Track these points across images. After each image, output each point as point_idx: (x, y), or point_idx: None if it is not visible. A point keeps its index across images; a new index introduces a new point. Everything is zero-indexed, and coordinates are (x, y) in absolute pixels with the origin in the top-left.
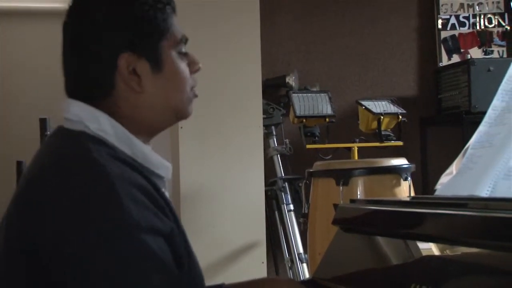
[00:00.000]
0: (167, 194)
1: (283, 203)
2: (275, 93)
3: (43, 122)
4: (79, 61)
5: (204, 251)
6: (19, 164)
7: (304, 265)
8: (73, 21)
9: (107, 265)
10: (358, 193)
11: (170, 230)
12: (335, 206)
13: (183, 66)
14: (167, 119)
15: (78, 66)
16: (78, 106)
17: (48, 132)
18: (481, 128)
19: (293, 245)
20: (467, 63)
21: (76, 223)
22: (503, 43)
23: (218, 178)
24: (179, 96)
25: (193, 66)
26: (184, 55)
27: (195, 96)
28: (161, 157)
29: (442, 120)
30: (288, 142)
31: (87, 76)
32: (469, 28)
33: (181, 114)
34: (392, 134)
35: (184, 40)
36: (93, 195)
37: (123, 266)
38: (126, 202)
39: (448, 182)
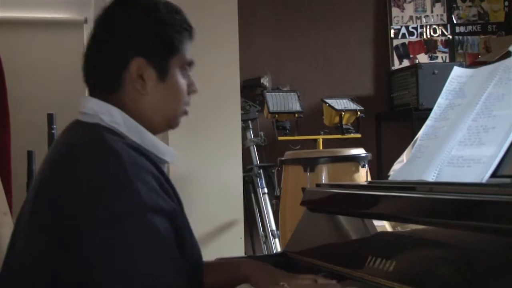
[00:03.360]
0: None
1: (258, 187)
2: (251, 92)
3: (50, 116)
4: (98, 55)
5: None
6: (29, 153)
7: (277, 240)
8: (104, 18)
9: (116, 238)
10: (323, 178)
11: (172, 210)
12: (303, 189)
13: (183, 82)
14: (159, 124)
15: (96, 60)
16: (93, 101)
17: (55, 126)
18: (428, 122)
19: (267, 223)
20: (415, 67)
21: (93, 201)
22: (446, 50)
23: (203, 165)
24: (174, 106)
25: (190, 87)
26: (186, 75)
27: (186, 113)
28: (167, 145)
29: (394, 116)
30: (262, 135)
31: (101, 69)
32: (417, 37)
33: (171, 122)
34: (352, 128)
35: (190, 63)
36: (109, 178)
37: (130, 239)
38: (136, 184)
39: (400, 169)
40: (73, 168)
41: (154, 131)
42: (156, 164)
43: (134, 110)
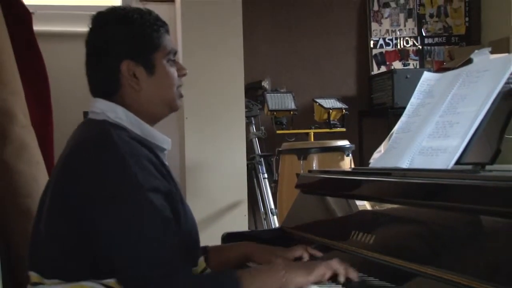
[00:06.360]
0: (166, 164)
1: (260, 173)
2: (254, 93)
3: (86, 114)
4: (95, 68)
5: (203, 207)
6: None
7: (275, 217)
8: (90, 40)
9: (119, 214)
10: (314, 165)
11: (168, 190)
12: (297, 175)
13: (172, 70)
14: (161, 110)
15: (94, 72)
16: (100, 102)
17: None
18: (402, 118)
19: (267, 203)
20: (391, 72)
21: (98, 185)
22: (417, 58)
23: (213, 154)
24: (168, 91)
25: (180, 71)
26: (174, 62)
27: (181, 95)
28: (163, 134)
29: (373, 113)
30: (263, 129)
31: (101, 79)
32: (392, 47)
33: (171, 106)
34: (338, 123)
35: (173, 52)
36: (109, 166)
37: (131, 215)
38: (134, 170)
39: (378, 158)
40: (81, 159)
41: (158, 117)
42: (155, 152)
43: (135, 106)
